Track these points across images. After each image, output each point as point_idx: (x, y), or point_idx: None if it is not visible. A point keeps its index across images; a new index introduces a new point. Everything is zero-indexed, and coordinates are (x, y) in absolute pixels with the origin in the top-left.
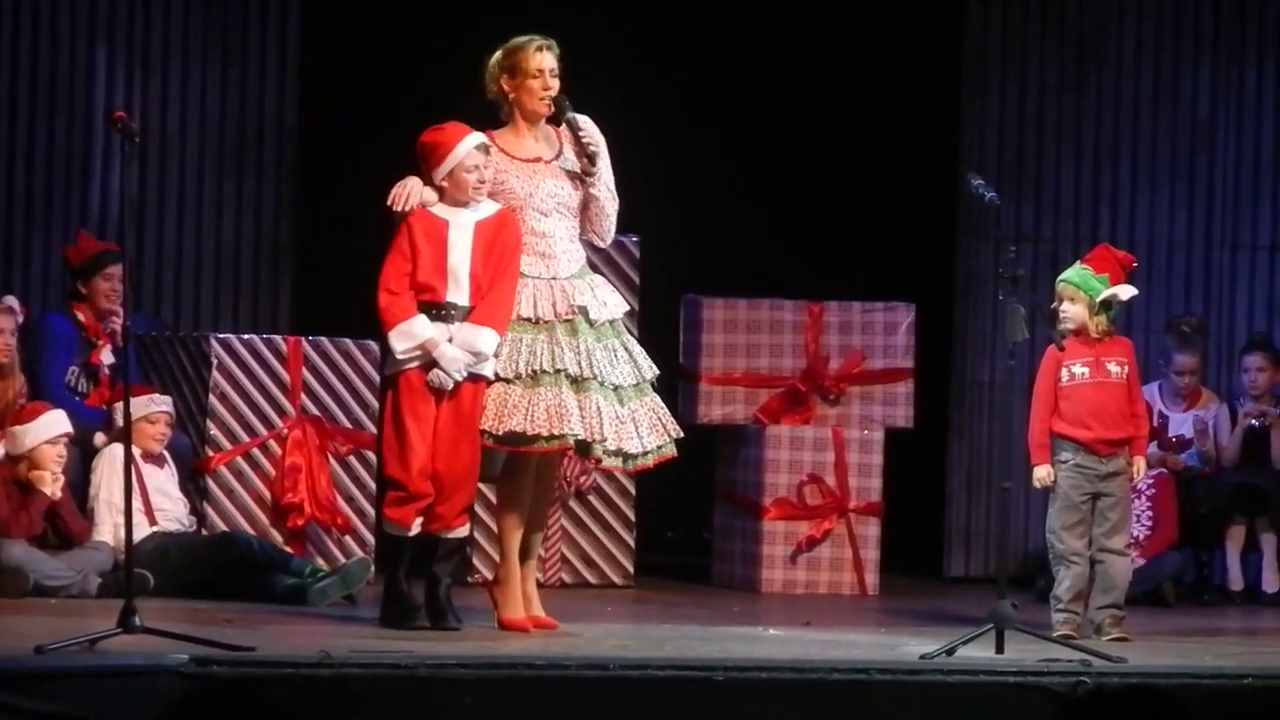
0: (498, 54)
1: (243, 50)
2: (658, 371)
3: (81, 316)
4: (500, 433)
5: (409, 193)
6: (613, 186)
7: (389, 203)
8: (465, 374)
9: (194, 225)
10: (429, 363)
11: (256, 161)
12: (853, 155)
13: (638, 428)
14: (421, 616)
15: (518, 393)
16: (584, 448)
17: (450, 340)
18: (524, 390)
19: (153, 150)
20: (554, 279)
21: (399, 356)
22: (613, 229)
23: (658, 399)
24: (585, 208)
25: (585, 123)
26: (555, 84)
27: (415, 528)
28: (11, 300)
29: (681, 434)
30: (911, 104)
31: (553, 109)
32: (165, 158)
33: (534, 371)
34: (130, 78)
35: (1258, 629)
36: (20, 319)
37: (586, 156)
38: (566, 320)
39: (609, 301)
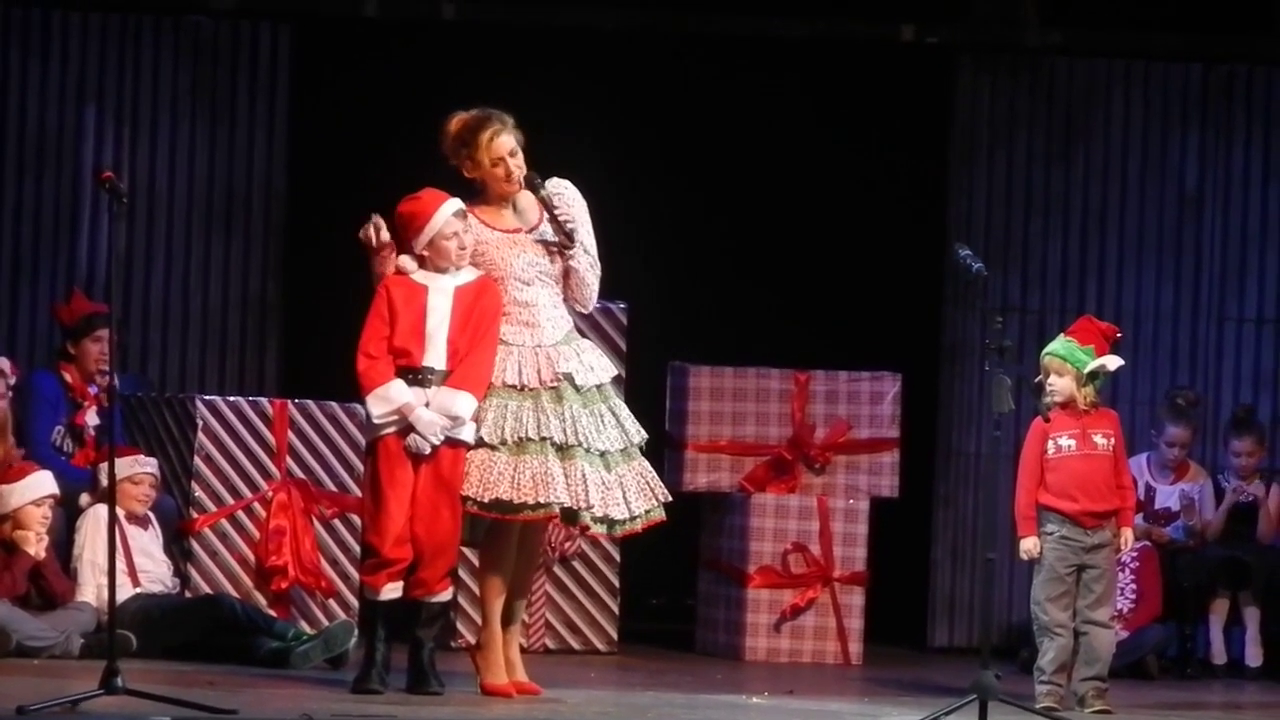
0: (453, 129)
1: (231, 111)
2: (646, 435)
3: (68, 377)
4: (485, 500)
5: (374, 225)
6: (594, 253)
7: (360, 236)
8: (442, 438)
9: (181, 285)
10: (406, 428)
11: (244, 222)
12: (840, 225)
13: (625, 493)
14: (373, 680)
15: (503, 460)
16: (570, 515)
17: (427, 405)
18: (509, 457)
19: (140, 210)
20: (539, 346)
21: (375, 421)
22: (594, 297)
23: (645, 463)
24: (566, 277)
25: (561, 196)
26: (518, 163)
27: (386, 592)
28: (3, 362)
29: (670, 498)
30: (899, 174)
31: (522, 186)
32: (153, 217)
33: (519, 439)
34: (119, 137)
35: (1240, 703)
36: (11, 380)
37: (564, 233)
38: (552, 387)
39: (596, 366)
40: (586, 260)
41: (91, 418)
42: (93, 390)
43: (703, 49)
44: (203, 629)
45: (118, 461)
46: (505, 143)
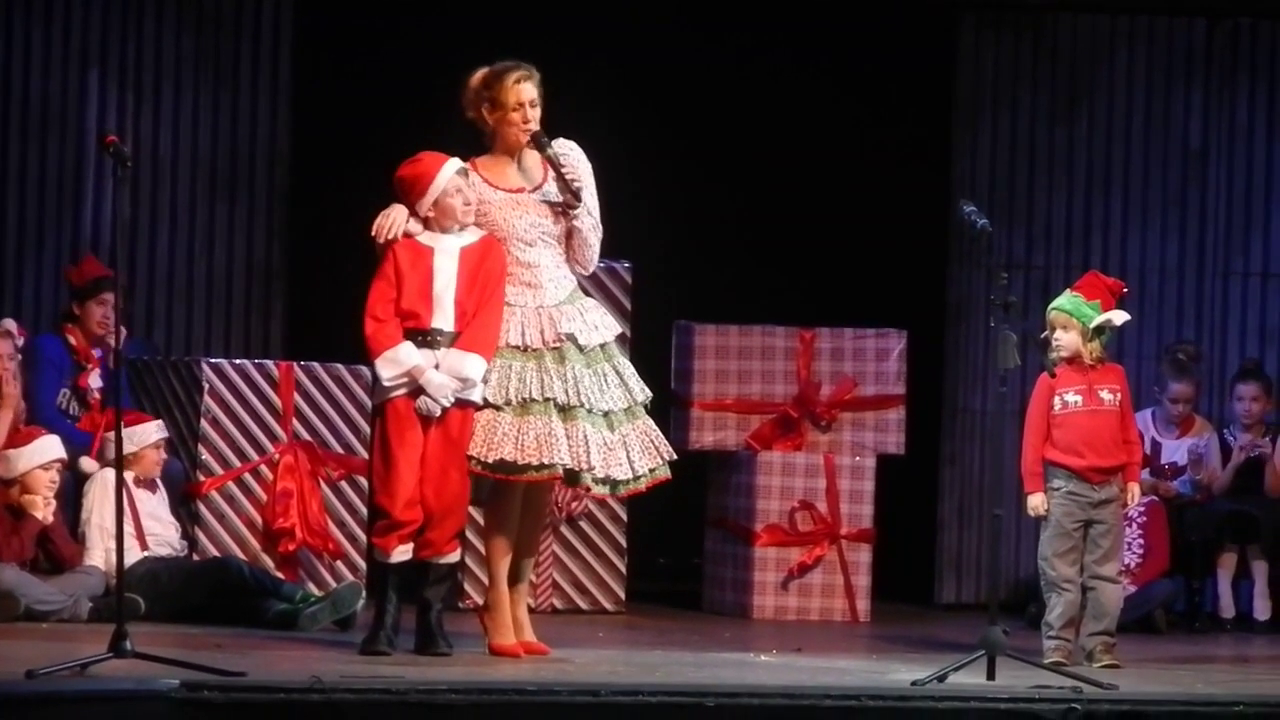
0: (477, 78)
1: (234, 74)
2: (650, 394)
3: (72, 339)
4: (490, 460)
5: (392, 223)
6: (597, 215)
7: (373, 234)
8: (453, 400)
9: (186, 249)
10: (416, 390)
11: (248, 186)
12: (845, 183)
13: (628, 452)
14: (381, 641)
15: (507, 420)
16: (572, 476)
17: (437, 366)
18: (514, 418)
19: (144, 174)
20: (541, 307)
21: (385, 384)
22: (595, 258)
23: (650, 421)
24: (568, 237)
25: (567, 155)
26: (536, 115)
27: (397, 555)
28: (10, 324)
29: (675, 455)
30: (903, 133)
31: (530, 144)
32: (157, 182)
33: (524, 399)
34: (122, 102)
35: (1249, 656)
36: (19, 342)
37: (571, 192)
38: (555, 348)
39: (600, 324)
40: (590, 221)
41: (95, 380)
42: (97, 353)
43: (704, 8)
44: (210, 592)
45: (136, 430)
46: (529, 90)
